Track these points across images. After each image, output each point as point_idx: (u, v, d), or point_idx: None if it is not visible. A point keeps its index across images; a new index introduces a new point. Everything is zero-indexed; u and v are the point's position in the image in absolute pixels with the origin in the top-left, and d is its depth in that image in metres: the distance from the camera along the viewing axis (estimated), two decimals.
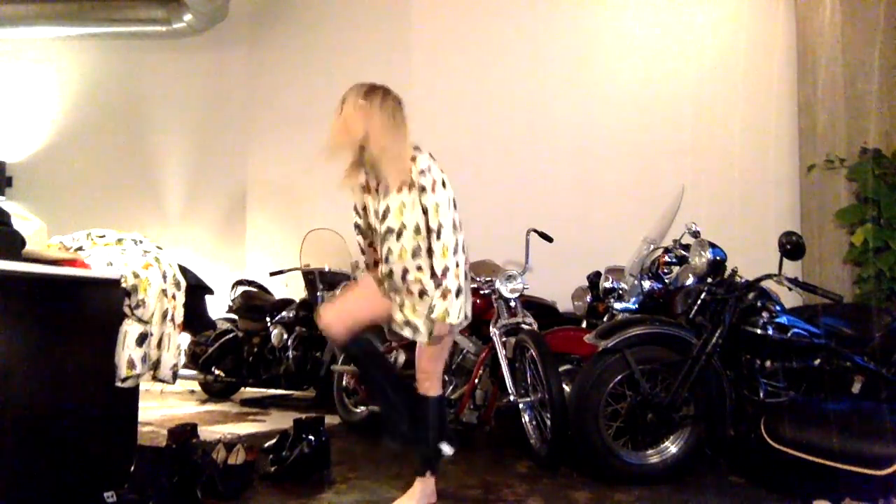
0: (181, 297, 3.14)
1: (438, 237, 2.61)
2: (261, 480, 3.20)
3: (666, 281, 4.06)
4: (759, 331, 3.29)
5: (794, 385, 3.37)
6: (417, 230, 2.66)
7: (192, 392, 6.29)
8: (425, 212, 2.63)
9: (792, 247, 3.33)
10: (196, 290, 3.32)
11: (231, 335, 5.84)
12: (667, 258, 4.09)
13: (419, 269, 2.69)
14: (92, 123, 7.10)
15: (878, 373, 3.32)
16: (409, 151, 2.67)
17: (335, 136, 2.71)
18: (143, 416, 3.33)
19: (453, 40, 6.08)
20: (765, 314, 3.30)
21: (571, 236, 5.11)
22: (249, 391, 6.12)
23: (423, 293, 2.70)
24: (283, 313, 5.61)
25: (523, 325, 3.86)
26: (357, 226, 2.93)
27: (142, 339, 2.90)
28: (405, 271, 2.70)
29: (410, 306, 2.74)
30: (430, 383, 2.83)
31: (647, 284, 4.03)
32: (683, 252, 4.02)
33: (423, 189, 2.62)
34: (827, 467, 2.72)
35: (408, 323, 2.75)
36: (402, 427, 2.82)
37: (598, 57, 5.83)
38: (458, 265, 2.63)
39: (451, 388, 4.07)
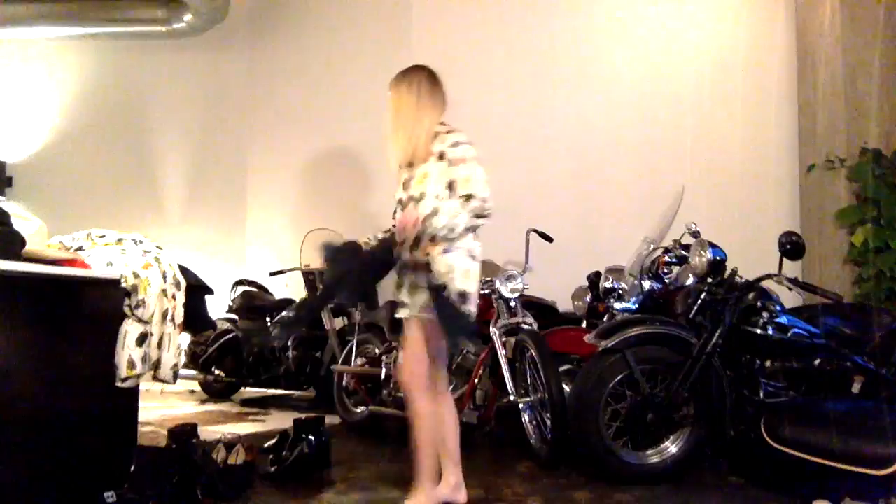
0: (181, 297, 3.14)
1: (467, 201, 2.62)
2: (261, 480, 3.20)
3: (666, 281, 4.05)
4: (759, 331, 3.30)
5: (794, 385, 3.37)
6: (437, 197, 2.68)
7: (192, 392, 6.29)
8: (451, 186, 2.67)
9: (792, 247, 3.33)
10: (196, 290, 3.32)
11: (231, 335, 5.84)
12: (667, 258, 4.09)
13: (431, 240, 2.65)
14: (92, 123, 7.09)
15: (878, 373, 3.32)
16: (434, 126, 2.77)
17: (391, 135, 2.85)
18: (143, 416, 3.32)
19: (453, 40, 6.07)
20: (765, 314, 3.31)
21: (571, 236, 5.11)
22: (249, 391, 6.12)
23: (427, 266, 2.66)
24: (283, 313, 5.61)
25: (523, 325, 3.86)
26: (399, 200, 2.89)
27: (142, 339, 2.90)
28: (418, 240, 2.67)
29: (410, 283, 2.71)
30: (408, 374, 2.76)
31: (647, 284, 4.03)
32: (683, 252, 4.02)
33: (450, 162, 2.69)
34: (827, 467, 2.72)
35: (404, 305, 2.75)
36: None
37: (598, 57, 5.83)
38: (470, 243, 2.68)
39: (450, 388, 4.07)
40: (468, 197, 2.62)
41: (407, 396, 2.79)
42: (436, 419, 2.79)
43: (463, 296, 2.65)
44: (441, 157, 2.71)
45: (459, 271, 2.67)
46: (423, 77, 2.84)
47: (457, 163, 2.68)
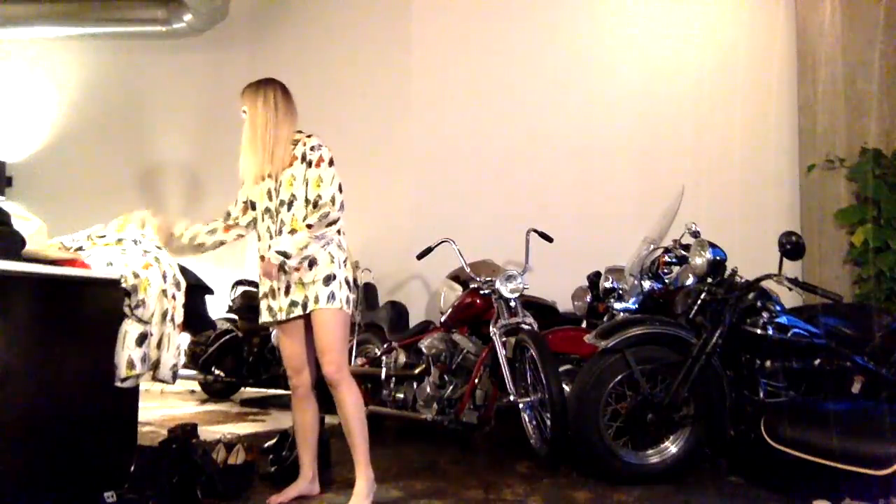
0: (181, 297, 3.14)
1: (315, 207, 2.78)
2: (261, 480, 3.20)
3: (666, 281, 4.05)
4: (759, 331, 3.30)
5: (794, 385, 3.37)
6: (307, 201, 2.81)
7: (192, 392, 6.29)
8: (307, 181, 2.82)
9: (792, 247, 3.33)
10: (196, 290, 3.32)
11: (231, 335, 5.84)
12: (667, 258, 4.09)
13: (281, 252, 2.74)
14: (92, 123, 7.08)
15: (878, 373, 3.32)
16: (292, 135, 2.89)
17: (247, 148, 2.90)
18: (143, 416, 3.33)
19: (453, 40, 6.07)
20: (765, 314, 3.31)
21: (571, 236, 5.11)
22: (249, 391, 6.12)
23: (312, 263, 2.78)
24: None
25: (523, 325, 3.86)
26: (228, 214, 3.06)
27: (141, 339, 2.90)
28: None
29: (297, 281, 2.80)
30: (336, 366, 2.82)
31: (647, 284, 4.03)
32: (683, 252, 4.02)
33: (309, 163, 2.82)
34: (827, 467, 2.72)
35: (294, 304, 2.81)
36: None
37: (599, 57, 5.83)
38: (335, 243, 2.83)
39: (451, 388, 4.07)
40: (315, 202, 2.78)
41: (338, 389, 2.83)
42: (303, 415, 3.02)
43: (348, 282, 2.85)
44: (303, 158, 2.84)
45: (339, 259, 2.83)
46: (276, 89, 2.91)
47: (313, 164, 2.82)
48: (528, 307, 4.07)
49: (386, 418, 4.39)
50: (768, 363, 3.36)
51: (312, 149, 2.84)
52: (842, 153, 4.96)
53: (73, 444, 2.69)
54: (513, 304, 3.95)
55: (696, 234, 3.90)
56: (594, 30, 5.84)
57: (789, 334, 3.32)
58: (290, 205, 2.83)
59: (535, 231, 4.40)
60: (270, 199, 2.90)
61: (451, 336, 4.18)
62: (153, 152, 7.00)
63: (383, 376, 4.38)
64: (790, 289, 3.34)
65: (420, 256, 4.44)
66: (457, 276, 4.59)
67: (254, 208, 3.00)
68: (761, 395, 3.31)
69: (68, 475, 2.66)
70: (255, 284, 6.09)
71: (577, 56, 5.84)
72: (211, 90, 6.95)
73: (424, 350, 4.16)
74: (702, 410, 3.28)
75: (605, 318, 4.03)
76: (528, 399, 3.67)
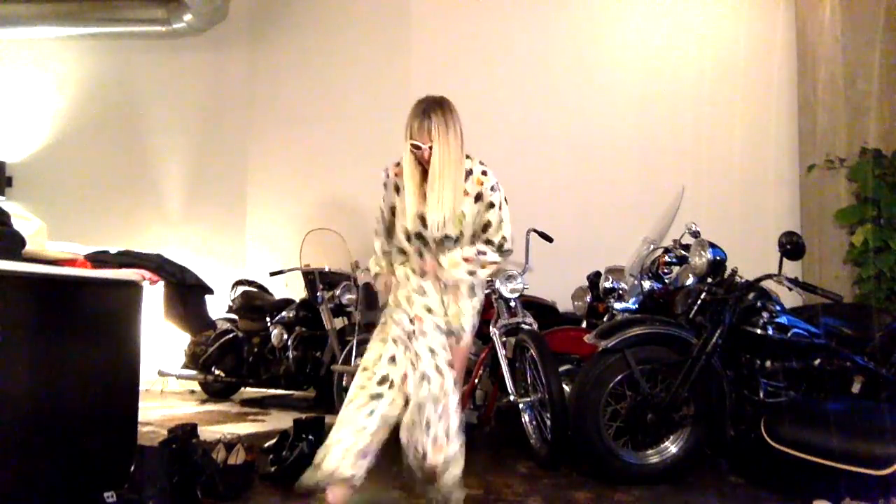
0: None
1: (500, 251, 2.72)
2: (261, 480, 3.19)
3: (666, 281, 4.05)
4: (759, 331, 3.30)
5: (794, 385, 3.37)
6: (471, 240, 2.74)
7: (192, 392, 6.29)
8: (487, 224, 2.71)
9: (792, 247, 3.33)
10: (196, 290, 3.32)
11: (231, 335, 5.84)
12: (667, 258, 4.09)
13: (470, 272, 2.72)
14: (92, 123, 7.08)
15: (878, 373, 3.32)
16: (466, 162, 2.71)
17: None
18: (143, 416, 3.33)
19: (453, 40, 6.07)
20: (765, 314, 3.30)
21: (571, 236, 5.11)
22: (249, 391, 6.12)
23: (472, 292, 2.77)
24: (283, 313, 5.61)
25: (523, 325, 3.86)
26: (382, 221, 2.89)
27: None
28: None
29: (455, 312, 2.75)
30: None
31: (647, 284, 4.03)
32: (683, 252, 4.02)
33: (490, 205, 2.71)
34: (827, 467, 2.72)
35: (451, 332, 2.76)
36: None
37: (599, 57, 5.83)
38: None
39: None
40: (500, 245, 2.72)
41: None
42: None
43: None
44: (478, 197, 2.70)
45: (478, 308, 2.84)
46: (457, 114, 2.74)
47: (493, 206, 2.72)
48: (528, 307, 4.07)
49: None
50: (768, 363, 3.36)
51: (493, 189, 2.70)
52: (842, 153, 4.96)
53: (73, 444, 2.69)
54: (513, 304, 3.95)
55: (696, 234, 3.90)
56: (594, 31, 5.85)
57: (789, 334, 3.32)
58: (456, 241, 2.69)
59: (535, 231, 4.40)
60: (424, 225, 2.68)
61: None
62: (153, 152, 6.99)
63: None
64: (790, 289, 3.33)
65: None
66: None
67: (393, 214, 2.82)
68: (761, 395, 3.30)
69: (68, 475, 2.66)
70: (255, 284, 6.15)
71: (578, 56, 5.85)
72: (211, 90, 6.95)
73: None
74: (702, 410, 3.28)
75: (605, 318, 4.03)
76: (528, 399, 3.68)
